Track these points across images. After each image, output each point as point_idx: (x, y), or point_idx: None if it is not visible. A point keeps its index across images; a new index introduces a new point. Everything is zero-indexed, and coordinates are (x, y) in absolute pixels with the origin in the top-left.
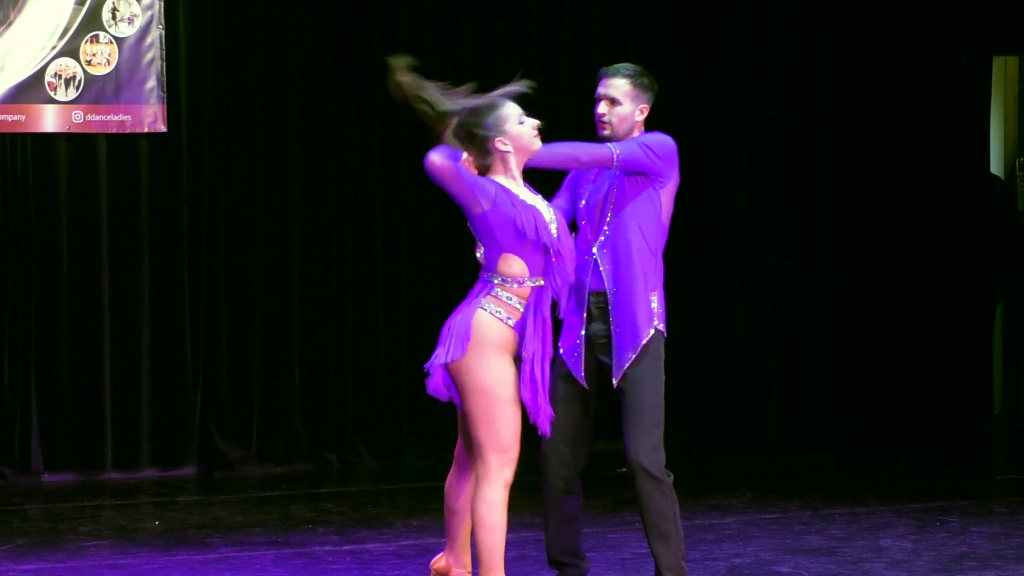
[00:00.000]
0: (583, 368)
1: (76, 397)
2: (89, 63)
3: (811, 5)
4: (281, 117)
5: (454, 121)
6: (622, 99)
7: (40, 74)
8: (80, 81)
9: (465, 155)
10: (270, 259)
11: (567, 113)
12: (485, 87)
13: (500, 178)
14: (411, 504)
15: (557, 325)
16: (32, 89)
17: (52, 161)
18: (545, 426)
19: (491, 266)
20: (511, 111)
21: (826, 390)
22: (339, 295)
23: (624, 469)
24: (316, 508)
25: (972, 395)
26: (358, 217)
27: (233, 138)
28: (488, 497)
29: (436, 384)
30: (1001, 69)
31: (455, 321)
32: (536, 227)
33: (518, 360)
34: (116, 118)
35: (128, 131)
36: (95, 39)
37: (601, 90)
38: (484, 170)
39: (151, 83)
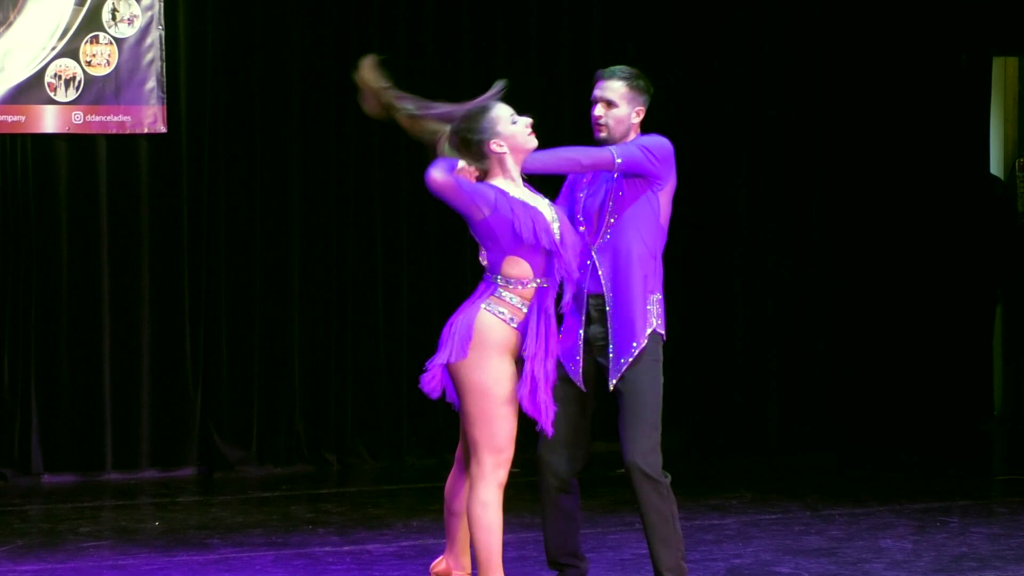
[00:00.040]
0: (581, 370)
1: (76, 397)
2: (89, 64)
3: (811, 5)
4: (281, 117)
5: (446, 130)
6: (618, 101)
7: (40, 75)
8: (80, 82)
9: (462, 163)
10: (270, 259)
11: (567, 114)
12: (484, 87)
13: (499, 181)
14: (411, 505)
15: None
16: (32, 90)
17: (52, 162)
18: (547, 425)
19: (495, 268)
20: (502, 112)
21: (826, 390)
22: (339, 295)
23: (623, 470)
24: (316, 509)
25: (972, 395)
26: (358, 217)
27: (233, 138)
28: (483, 497)
29: (431, 382)
30: (1001, 70)
31: (457, 321)
32: (534, 230)
33: (520, 361)
34: (116, 119)
35: (128, 132)
36: (95, 40)
37: (597, 93)
38: (483, 175)
39: (151, 84)
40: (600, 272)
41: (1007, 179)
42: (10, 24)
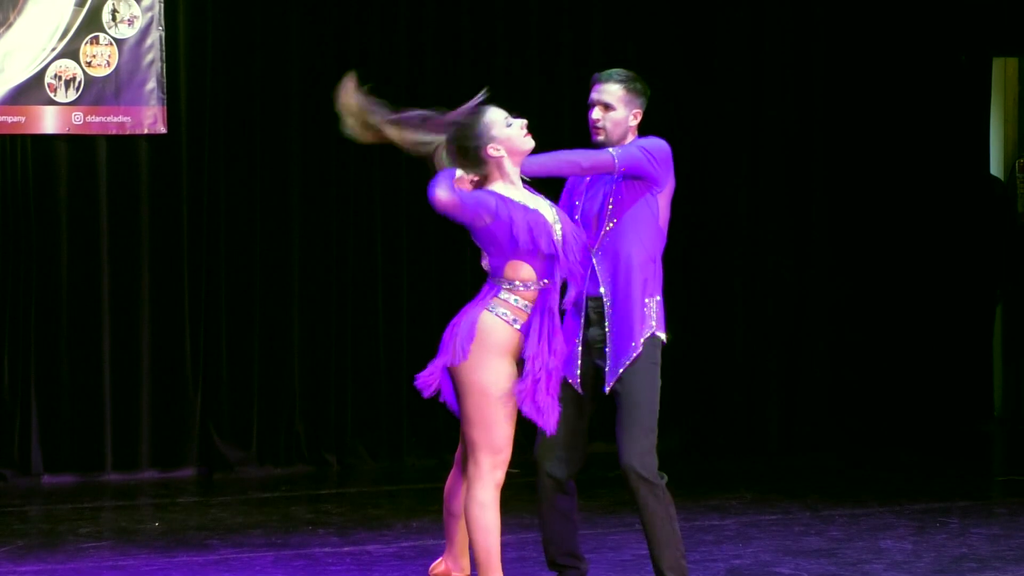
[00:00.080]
0: (579, 372)
1: (76, 398)
2: (89, 64)
3: (811, 5)
4: (281, 117)
5: (442, 141)
6: (616, 104)
7: (40, 75)
8: (80, 82)
9: (460, 172)
10: (270, 259)
11: (567, 113)
12: (485, 86)
13: (499, 186)
14: (411, 506)
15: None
16: (32, 90)
17: (52, 162)
18: (548, 425)
19: (498, 272)
20: (496, 116)
21: (826, 390)
22: (339, 295)
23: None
24: (316, 509)
25: (972, 395)
26: (358, 218)
27: (233, 139)
28: (480, 498)
29: (427, 379)
30: (1001, 70)
31: (460, 323)
32: (532, 235)
33: (522, 362)
34: (116, 119)
35: (128, 132)
36: (95, 40)
37: (594, 96)
38: (482, 180)
39: (151, 84)
40: (600, 275)
41: (1007, 179)
42: (10, 25)
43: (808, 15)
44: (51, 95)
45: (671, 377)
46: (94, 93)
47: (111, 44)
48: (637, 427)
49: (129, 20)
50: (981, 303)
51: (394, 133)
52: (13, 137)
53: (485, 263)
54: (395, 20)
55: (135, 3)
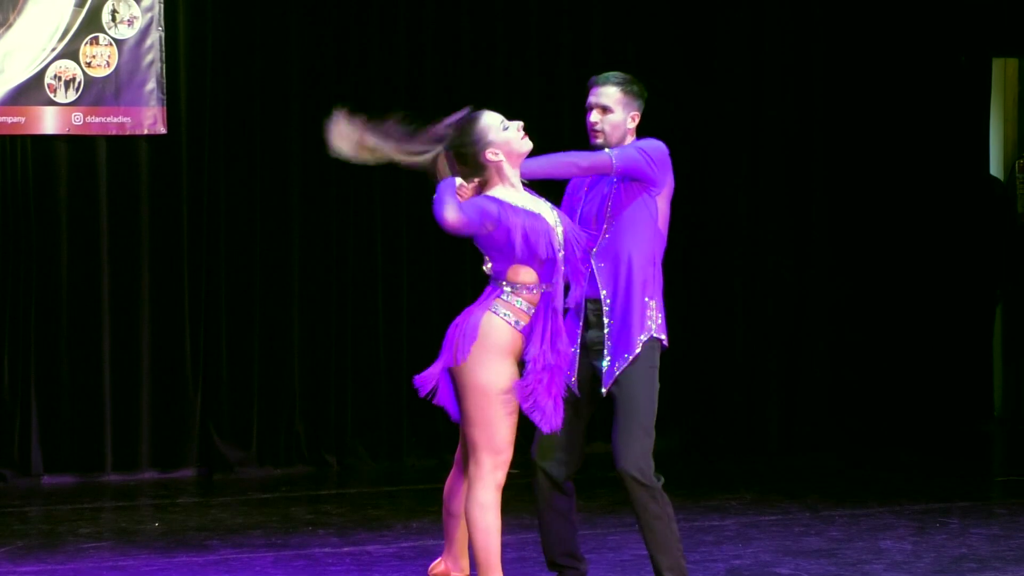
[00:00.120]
0: (577, 374)
1: (76, 398)
2: (89, 65)
3: (811, 5)
4: (281, 117)
5: (440, 151)
6: (613, 107)
7: (40, 76)
8: (80, 83)
9: (459, 181)
10: (270, 259)
11: (567, 114)
12: (485, 87)
13: (499, 190)
14: (411, 506)
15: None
16: (32, 91)
17: (52, 163)
18: (550, 424)
19: (500, 276)
20: (491, 120)
21: (826, 390)
22: (339, 295)
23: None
24: (316, 510)
25: (972, 395)
26: (358, 218)
27: (233, 139)
28: (481, 499)
29: (426, 378)
30: (1001, 71)
31: (462, 324)
32: (528, 242)
33: (523, 364)
34: (116, 120)
35: (128, 133)
36: (95, 41)
37: (592, 99)
38: (482, 185)
39: (151, 85)
40: (599, 277)
41: (1007, 180)
42: (10, 26)
43: (808, 15)
44: (51, 95)
45: (671, 377)
46: (94, 93)
47: (111, 44)
48: (633, 430)
49: (129, 20)
50: (981, 303)
51: (391, 150)
52: (13, 137)
53: (487, 267)
54: (395, 21)
55: (135, 3)
